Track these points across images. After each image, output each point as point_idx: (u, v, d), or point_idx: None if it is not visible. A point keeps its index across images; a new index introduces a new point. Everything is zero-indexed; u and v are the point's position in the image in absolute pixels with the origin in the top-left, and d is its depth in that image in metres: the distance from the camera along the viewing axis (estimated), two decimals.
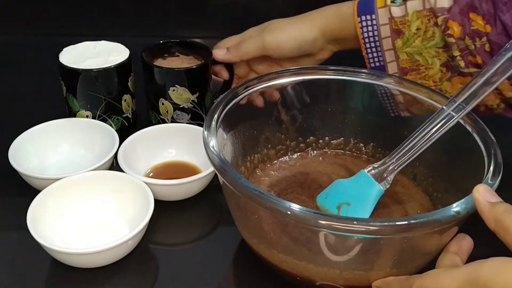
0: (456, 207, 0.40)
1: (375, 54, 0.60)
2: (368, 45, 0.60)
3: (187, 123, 0.67)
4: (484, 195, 0.38)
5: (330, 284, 0.45)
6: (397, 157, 0.50)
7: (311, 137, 0.60)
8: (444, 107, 0.48)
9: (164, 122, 0.68)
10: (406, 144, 0.50)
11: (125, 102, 0.67)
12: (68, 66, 0.64)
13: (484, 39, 0.54)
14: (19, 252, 0.53)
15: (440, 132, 0.48)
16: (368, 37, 0.60)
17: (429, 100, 0.54)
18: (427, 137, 0.49)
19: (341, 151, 0.61)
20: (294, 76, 0.57)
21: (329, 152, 0.61)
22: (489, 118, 0.53)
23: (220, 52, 0.67)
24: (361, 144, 0.60)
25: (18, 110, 0.75)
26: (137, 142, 0.62)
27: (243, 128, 0.55)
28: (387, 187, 0.51)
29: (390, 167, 0.51)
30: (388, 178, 0.51)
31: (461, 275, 0.36)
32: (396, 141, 0.55)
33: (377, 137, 0.60)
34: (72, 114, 0.67)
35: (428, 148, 0.49)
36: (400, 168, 0.50)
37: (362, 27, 0.59)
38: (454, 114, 0.48)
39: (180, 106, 0.67)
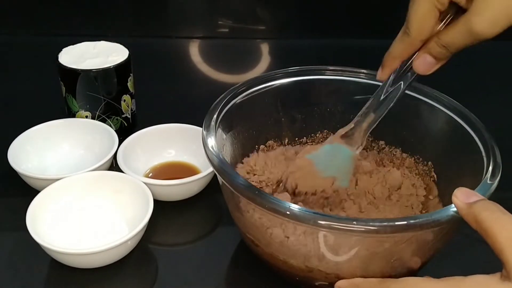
0: (455, 207, 0.40)
1: None
2: None
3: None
4: (461, 197, 0.37)
5: (329, 284, 0.45)
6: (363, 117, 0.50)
7: (310, 138, 0.60)
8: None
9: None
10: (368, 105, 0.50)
11: (125, 103, 0.67)
12: (67, 66, 0.64)
13: None
14: (19, 252, 0.53)
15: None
16: None
17: (428, 100, 0.54)
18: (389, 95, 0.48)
19: None
20: (294, 76, 0.57)
21: None
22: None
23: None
24: None
25: (18, 110, 0.75)
26: (136, 142, 0.62)
27: (242, 128, 0.55)
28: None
29: (360, 130, 0.50)
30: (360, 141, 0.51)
31: None
32: (395, 142, 0.55)
33: (376, 137, 0.60)
34: (71, 114, 0.67)
35: (426, 148, 0.49)
36: (370, 129, 0.50)
37: None
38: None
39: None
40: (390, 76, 0.48)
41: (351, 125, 0.51)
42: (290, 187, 0.52)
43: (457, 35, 0.42)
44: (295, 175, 0.52)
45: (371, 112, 0.49)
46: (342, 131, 0.51)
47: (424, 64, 0.45)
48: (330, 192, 0.51)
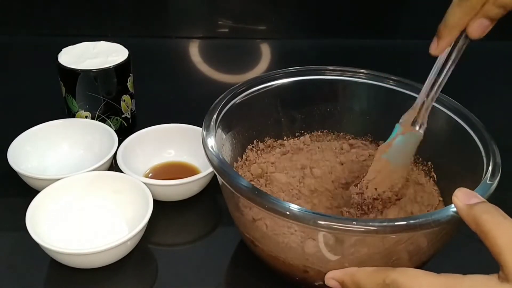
0: (454, 207, 0.40)
1: None
2: None
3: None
4: (461, 198, 0.37)
5: None
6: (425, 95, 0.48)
7: (309, 137, 0.60)
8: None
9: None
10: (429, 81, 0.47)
11: (124, 103, 0.67)
12: (67, 67, 0.64)
13: None
14: (18, 252, 0.53)
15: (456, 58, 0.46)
16: None
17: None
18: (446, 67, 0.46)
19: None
20: (294, 76, 0.57)
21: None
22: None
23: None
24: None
25: (17, 110, 0.75)
26: (136, 142, 0.62)
27: (242, 128, 0.55)
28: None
29: (422, 110, 0.48)
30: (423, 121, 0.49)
31: (439, 284, 0.35)
32: None
33: (376, 138, 0.60)
34: (71, 114, 0.67)
35: (426, 148, 0.49)
36: (430, 106, 0.48)
37: None
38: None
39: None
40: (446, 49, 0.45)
41: (416, 109, 0.49)
42: (371, 195, 0.51)
43: None
44: (374, 182, 0.51)
45: (432, 90, 0.47)
46: (409, 118, 0.49)
47: (481, 28, 0.43)
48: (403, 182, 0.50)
